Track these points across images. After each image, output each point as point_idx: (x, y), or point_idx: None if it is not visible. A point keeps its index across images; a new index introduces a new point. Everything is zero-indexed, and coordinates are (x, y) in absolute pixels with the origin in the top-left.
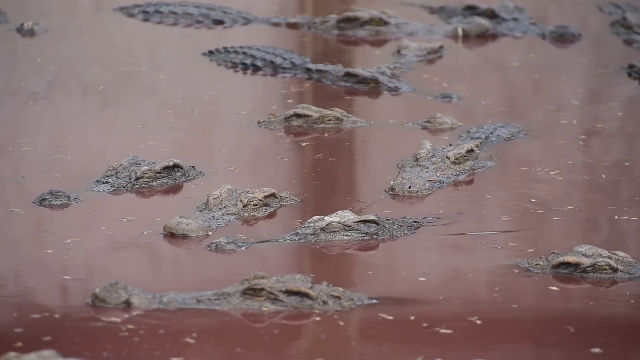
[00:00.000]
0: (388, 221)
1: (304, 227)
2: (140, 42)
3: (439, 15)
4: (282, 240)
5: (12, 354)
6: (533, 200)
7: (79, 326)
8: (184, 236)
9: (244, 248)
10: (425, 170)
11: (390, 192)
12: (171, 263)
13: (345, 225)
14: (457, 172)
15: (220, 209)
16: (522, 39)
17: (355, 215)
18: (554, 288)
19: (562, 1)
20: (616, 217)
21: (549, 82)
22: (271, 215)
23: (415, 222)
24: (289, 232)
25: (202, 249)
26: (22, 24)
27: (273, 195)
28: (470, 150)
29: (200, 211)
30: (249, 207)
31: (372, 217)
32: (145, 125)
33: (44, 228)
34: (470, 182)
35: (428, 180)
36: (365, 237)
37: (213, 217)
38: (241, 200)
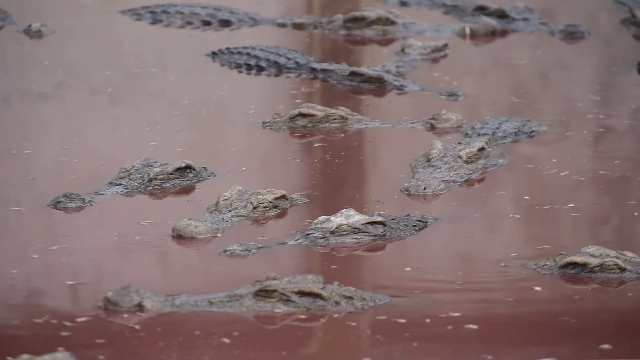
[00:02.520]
0: (393, 221)
1: (311, 229)
2: (147, 44)
3: (452, 14)
4: (291, 242)
5: (25, 356)
6: (542, 198)
7: (93, 330)
8: (193, 238)
9: (253, 252)
10: (438, 170)
11: (405, 192)
12: (182, 266)
13: (354, 228)
14: (470, 171)
15: (230, 211)
16: (530, 36)
17: (361, 215)
18: (538, 288)
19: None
20: (635, 213)
21: (560, 79)
22: (281, 216)
23: (420, 220)
24: (299, 233)
25: (212, 251)
26: (29, 26)
27: (284, 197)
28: (482, 149)
29: (210, 212)
30: (259, 209)
31: (379, 219)
32: (153, 127)
33: (58, 231)
34: (482, 180)
35: (442, 181)
36: (374, 239)
37: (222, 218)
38: (251, 202)
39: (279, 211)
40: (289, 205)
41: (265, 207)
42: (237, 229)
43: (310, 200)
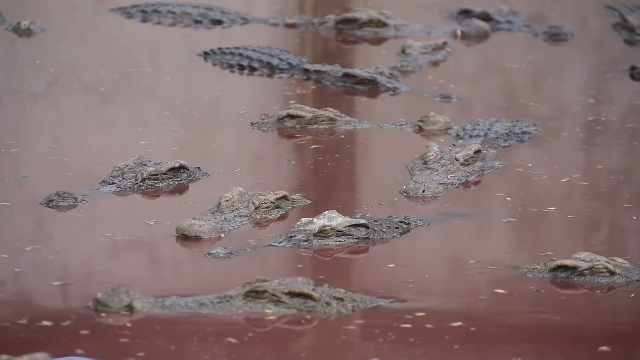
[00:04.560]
0: (376, 223)
1: (294, 232)
2: (139, 43)
3: (449, 15)
4: (275, 244)
5: (4, 356)
6: (536, 202)
7: (80, 330)
8: (197, 238)
9: (235, 255)
10: (436, 172)
11: (404, 194)
12: (172, 267)
13: (338, 231)
14: (467, 174)
15: (232, 211)
16: (519, 39)
17: (344, 217)
18: (500, 291)
19: (563, 4)
20: (634, 217)
21: (554, 82)
22: (283, 217)
23: (402, 222)
24: (282, 236)
25: (201, 253)
26: (18, 23)
27: (285, 197)
28: (478, 151)
29: (212, 213)
30: (261, 209)
31: (362, 221)
32: (146, 127)
33: (49, 229)
34: (477, 183)
35: (440, 184)
36: (358, 242)
37: (225, 219)
38: (253, 203)
39: (281, 212)
40: (290, 207)
41: (267, 208)
42: (240, 230)
43: (312, 202)
